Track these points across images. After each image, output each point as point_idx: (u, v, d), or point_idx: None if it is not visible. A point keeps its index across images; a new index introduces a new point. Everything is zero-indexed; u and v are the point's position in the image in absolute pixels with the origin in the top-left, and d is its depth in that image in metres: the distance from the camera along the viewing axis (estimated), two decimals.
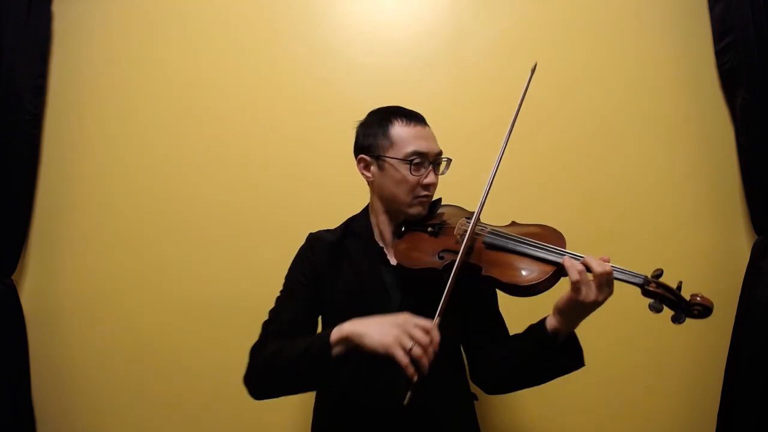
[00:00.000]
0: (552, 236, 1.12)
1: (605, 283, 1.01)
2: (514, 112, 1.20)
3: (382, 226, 1.24)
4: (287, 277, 1.25)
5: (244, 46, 1.92)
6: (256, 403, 1.83)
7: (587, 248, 1.80)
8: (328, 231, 1.29)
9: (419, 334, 0.93)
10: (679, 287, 1.03)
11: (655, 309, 1.02)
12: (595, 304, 1.01)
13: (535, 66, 1.21)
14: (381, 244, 1.23)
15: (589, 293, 1.00)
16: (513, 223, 1.21)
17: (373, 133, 1.21)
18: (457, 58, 1.88)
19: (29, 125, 1.85)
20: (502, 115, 1.83)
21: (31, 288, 1.92)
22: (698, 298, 1.00)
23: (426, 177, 1.17)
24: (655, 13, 1.85)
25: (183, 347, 1.87)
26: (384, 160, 1.18)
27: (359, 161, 1.25)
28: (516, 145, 1.83)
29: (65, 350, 1.90)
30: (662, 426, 1.79)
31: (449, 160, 1.23)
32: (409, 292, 1.16)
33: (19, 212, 1.85)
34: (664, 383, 1.78)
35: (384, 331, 0.95)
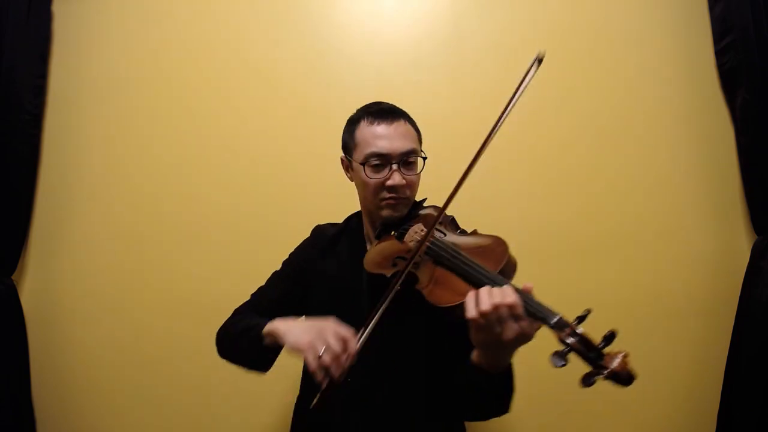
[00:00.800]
0: (494, 252, 1.00)
1: (507, 317, 0.85)
2: (504, 110, 1.13)
3: (367, 228, 1.24)
4: (284, 261, 1.30)
5: (244, 47, 1.92)
6: (255, 404, 1.85)
7: (587, 248, 1.81)
8: (332, 225, 1.30)
9: (333, 342, 0.92)
10: (607, 337, 0.83)
11: (554, 363, 0.79)
12: (505, 343, 0.86)
13: (543, 56, 1.11)
14: (367, 242, 1.23)
15: (492, 330, 0.86)
16: (473, 232, 1.15)
17: (346, 132, 1.20)
18: (457, 58, 1.88)
19: (29, 125, 1.84)
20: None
21: (31, 288, 1.91)
22: (616, 362, 0.79)
23: (389, 179, 1.11)
24: (655, 13, 1.85)
25: (183, 347, 1.87)
26: (351, 163, 1.17)
27: (341, 161, 1.23)
28: (515, 146, 1.84)
29: (65, 350, 1.90)
30: (662, 426, 1.79)
31: (424, 158, 1.16)
32: (377, 297, 1.09)
33: (19, 212, 1.85)
34: (664, 383, 1.78)
35: (302, 333, 0.98)
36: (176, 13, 1.94)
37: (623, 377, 0.80)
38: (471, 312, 0.87)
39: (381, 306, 0.97)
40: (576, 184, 1.83)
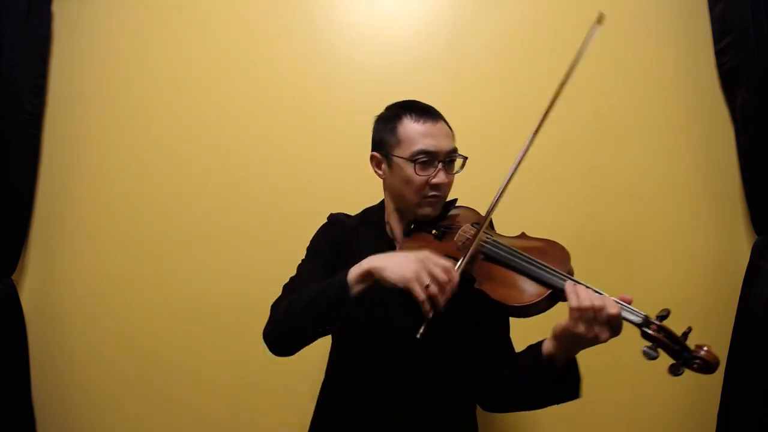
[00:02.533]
0: (558, 255, 1.04)
1: (607, 323, 0.92)
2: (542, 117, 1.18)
3: (393, 223, 1.23)
4: (309, 248, 1.26)
5: (244, 46, 1.92)
6: (256, 404, 1.85)
7: (588, 248, 1.81)
8: (346, 216, 1.29)
9: (438, 272, 0.93)
10: (685, 334, 0.92)
11: (649, 356, 0.91)
12: (594, 342, 0.93)
13: (602, 17, 1.15)
14: (391, 237, 1.23)
15: (589, 329, 0.91)
16: (522, 235, 1.16)
17: (383, 129, 1.18)
18: (457, 58, 1.88)
19: (29, 125, 1.84)
20: (501, 115, 1.85)
21: (31, 288, 1.91)
22: (702, 351, 0.90)
23: (435, 176, 1.12)
24: (655, 13, 1.84)
25: (183, 347, 1.87)
26: (392, 159, 1.15)
27: (371, 158, 1.22)
28: (515, 146, 1.84)
29: (65, 350, 1.90)
30: (662, 426, 1.79)
31: (465, 159, 1.18)
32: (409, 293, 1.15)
33: (19, 212, 1.85)
34: (664, 383, 1.77)
35: (405, 265, 0.95)
36: (176, 13, 1.94)
37: (712, 364, 0.92)
38: (574, 303, 0.91)
39: (472, 244, 1.02)
40: (575, 184, 1.83)
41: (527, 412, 1.77)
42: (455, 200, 1.26)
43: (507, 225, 1.81)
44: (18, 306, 1.86)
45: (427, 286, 0.92)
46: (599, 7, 1.86)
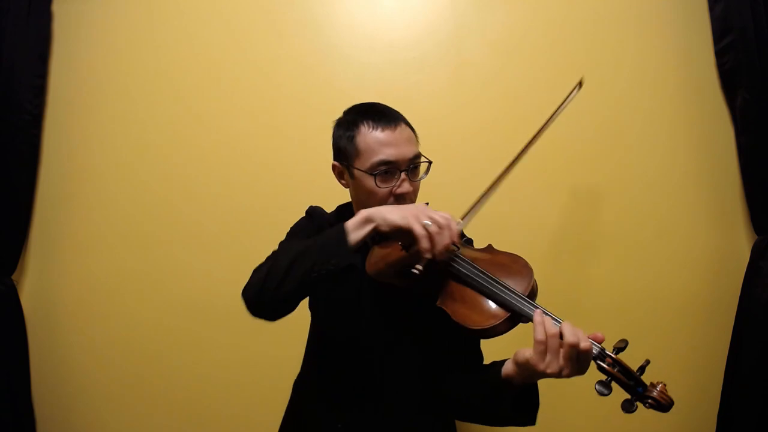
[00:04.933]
0: (520, 271, 1.00)
1: (575, 359, 0.86)
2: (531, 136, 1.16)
3: None
4: (289, 233, 1.26)
5: (244, 46, 1.92)
6: (256, 404, 1.85)
7: (587, 248, 1.81)
8: (324, 211, 1.29)
9: (438, 216, 0.94)
10: (642, 368, 0.88)
11: (600, 393, 0.85)
12: (558, 377, 0.87)
13: (582, 82, 1.14)
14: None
15: (553, 363, 0.86)
16: (488, 248, 1.12)
17: (342, 137, 1.12)
18: (457, 57, 1.88)
19: (29, 125, 1.84)
20: (501, 114, 1.85)
21: (31, 288, 1.91)
22: (656, 391, 0.87)
23: (398, 187, 1.07)
24: (655, 13, 1.84)
25: (183, 347, 1.87)
26: (352, 170, 1.09)
27: (333, 168, 1.17)
28: (514, 145, 1.84)
29: (65, 350, 1.90)
30: (662, 426, 1.79)
31: (429, 163, 1.12)
32: (378, 301, 1.12)
33: (19, 212, 1.85)
34: (664, 383, 1.78)
35: (403, 210, 0.96)
36: (176, 13, 1.94)
37: (664, 405, 0.88)
38: (540, 336, 0.87)
39: (478, 201, 1.05)
40: (575, 184, 1.83)
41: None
42: (426, 204, 1.23)
43: (506, 225, 1.81)
44: (18, 306, 1.86)
45: (428, 226, 0.93)
46: (598, 7, 1.87)
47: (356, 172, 1.08)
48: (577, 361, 0.86)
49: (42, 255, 1.92)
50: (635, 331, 1.75)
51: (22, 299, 1.88)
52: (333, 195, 1.83)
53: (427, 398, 1.14)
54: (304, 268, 0.95)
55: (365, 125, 1.08)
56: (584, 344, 0.85)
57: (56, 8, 1.92)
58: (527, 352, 0.89)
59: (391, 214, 0.95)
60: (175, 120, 1.92)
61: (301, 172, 1.88)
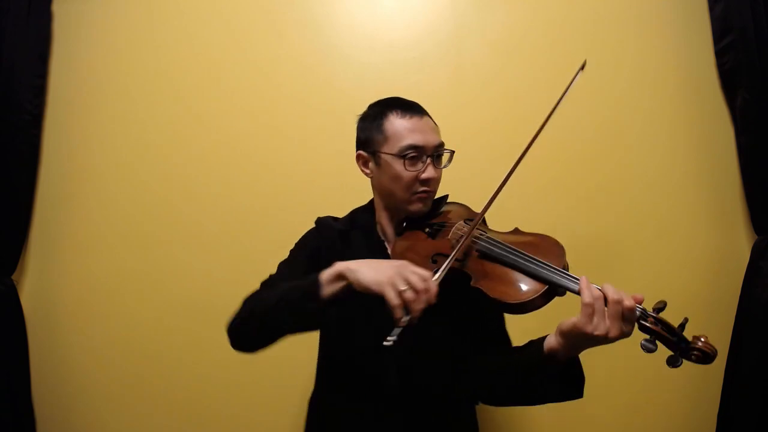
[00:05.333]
0: (552, 249, 1.03)
1: (620, 317, 0.89)
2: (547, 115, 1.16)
3: (383, 222, 1.22)
4: (292, 251, 1.25)
5: (244, 46, 1.92)
6: (256, 404, 1.85)
7: (587, 248, 1.81)
8: (334, 219, 1.28)
9: (415, 279, 0.90)
10: (682, 325, 0.91)
11: (647, 349, 0.89)
12: (604, 340, 0.89)
13: (584, 64, 1.16)
14: (383, 239, 1.21)
15: (600, 325, 0.88)
16: (516, 230, 1.14)
17: (368, 127, 1.17)
18: (457, 57, 1.88)
19: (29, 125, 1.84)
20: (501, 114, 1.85)
21: (31, 288, 1.91)
22: (700, 343, 0.89)
23: (424, 171, 1.11)
24: (655, 13, 1.84)
25: (183, 347, 1.87)
26: (380, 156, 1.13)
27: (357, 157, 1.21)
28: (514, 145, 1.84)
29: (65, 350, 1.90)
30: (662, 426, 1.79)
31: (452, 152, 1.17)
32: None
33: (19, 212, 1.85)
34: (664, 383, 1.78)
35: (379, 270, 0.92)
36: (176, 13, 1.94)
37: (711, 355, 0.90)
38: (588, 298, 0.89)
39: (456, 251, 0.99)
40: (575, 184, 1.83)
41: (526, 412, 1.79)
42: (446, 196, 1.25)
43: (504, 224, 1.81)
44: (18, 306, 1.86)
45: (402, 292, 0.89)
46: (598, 7, 1.87)
47: (384, 156, 1.13)
48: (623, 320, 0.89)
49: (42, 255, 1.92)
50: (635, 331, 1.75)
51: (22, 299, 1.88)
52: (333, 195, 1.84)
53: (449, 399, 1.15)
54: (276, 321, 1.01)
55: (394, 114, 1.14)
56: (628, 302, 0.88)
57: (56, 8, 1.92)
58: (571, 320, 0.91)
59: (365, 276, 0.92)
60: (175, 120, 1.92)
61: (301, 172, 1.88)
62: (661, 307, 0.92)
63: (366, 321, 1.10)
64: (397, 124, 1.12)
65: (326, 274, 0.97)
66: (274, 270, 1.27)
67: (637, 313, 0.90)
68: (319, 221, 1.28)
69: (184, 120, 1.92)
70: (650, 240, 1.80)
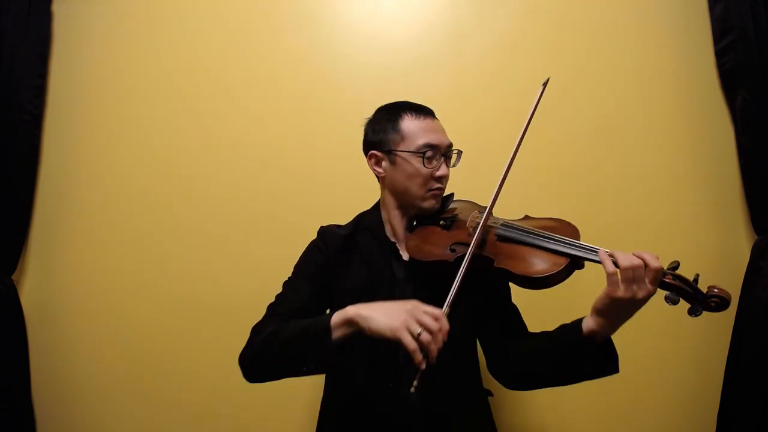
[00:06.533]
0: (566, 229, 1.09)
1: (637, 279, 0.93)
2: (526, 121, 1.18)
3: (394, 222, 1.23)
4: (297, 265, 1.25)
5: (244, 45, 1.92)
6: (256, 404, 1.85)
7: None
8: (338, 226, 1.28)
9: (428, 320, 0.90)
10: (695, 279, 0.98)
11: (672, 301, 0.98)
12: (634, 302, 0.94)
13: (548, 80, 1.21)
14: (393, 239, 1.23)
15: (628, 290, 0.93)
16: (526, 217, 1.20)
17: (383, 128, 1.20)
18: (457, 57, 1.88)
19: (29, 125, 1.84)
20: (501, 114, 1.85)
21: (31, 288, 1.91)
22: (715, 290, 0.96)
23: (438, 169, 1.17)
24: (655, 13, 1.85)
25: (183, 347, 1.87)
26: (396, 154, 1.17)
27: (370, 157, 1.23)
28: (513, 145, 1.84)
29: (65, 350, 1.90)
30: (662, 426, 1.79)
31: (460, 152, 1.23)
32: (421, 287, 1.13)
33: (19, 212, 1.85)
34: (664, 383, 1.78)
35: (392, 315, 0.93)
36: (176, 13, 1.94)
37: (727, 299, 0.95)
38: (610, 268, 0.94)
39: (457, 286, 0.99)
40: (575, 184, 1.83)
41: (515, 418, 1.78)
42: (452, 194, 1.28)
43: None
44: (18, 306, 1.86)
45: (419, 335, 0.89)
46: (599, 7, 1.87)
47: (401, 155, 1.17)
48: (645, 280, 0.93)
49: (42, 255, 1.92)
50: (635, 331, 1.74)
51: (22, 299, 1.88)
52: (333, 194, 1.84)
53: (468, 386, 1.19)
54: (287, 361, 1.03)
55: (408, 114, 1.19)
56: (654, 263, 0.92)
57: (56, 8, 1.92)
58: (601, 294, 0.96)
59: (378, 322, 0.92)
60: (175, 120, 1.92)
61: (301, 172, 1.88)
62: (675, 265, 0.98)
63: (371, 357, 1.11)
64: (412, 124, 1.18)
65: (337, 319, 0.97)
66: (273, 271, 1.27)
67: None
68: (323, 231, 1.28)
69: (184, 120, 1.92)
70: (650, 240, 1.80)
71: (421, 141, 1.16)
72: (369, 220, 1.26)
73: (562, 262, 1.01)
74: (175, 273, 1.88)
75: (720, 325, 1.75)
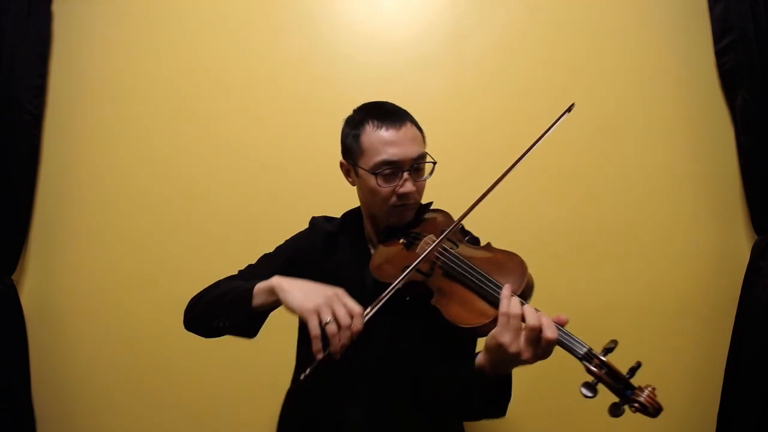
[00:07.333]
0: (514, 270, 0.97)
1: (535, 343, 0.83)
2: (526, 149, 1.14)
3: (369, 228, 1.21)
4: (277, 246, 1.27)
5: (244, 46, 1.92)
6: (256, 404, 1.85)
7: (587, 248, 1.81)
8: (327, 219, 1.27)
9: (342, 313, 0.86)
10: (632, 369, 0.85)
11: (585, 394, 0.83)
12: (518, 360, 0.84)
13: (572, 106, 1.12)
14: (369, 246, 1.20)
15: (514, 343, 0.83)
16: (487, 246, 1.10)
17: (348, 135, 1.13)
18: (457, 57, 1.88)
19: (29, 125, 1.84)
20: (501, 114, 1.85)
21: (31, 288, 1.91)
22: (644, 395, 0.82)
23: (402, 186, 1.06)
24: (655, 13, 1.85)
25: (183, 347, 1.87)
26: (357, 169, 1.10)
27: (341, 166, 1.18)
28: (514, 145, 1.84)
29: (65, 350, 1.90)
30: (662, 426, 1.78)
31: (434, 164, 1.11)
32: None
33: (19, 212, 1.85)
34: (664, 383, 1.77)
35: (309, 295, 0.90)
36: (176, 13, 1.94)
37: (651, 410, 0.82)
38: (503, 307, 0.86)
39: (387, 293, 0.94)
40: (575, 184, 1.83)
41: (514, 418, 1.78)
42: (430, 204, 1.23)
43: (505, 225, 1.81)
44: (18, 306, 1.86)
45: (326, 324, 0.86)
46: (599, 7, 1.87)
47: (360, 171, 1.09)
48: (540, 346, 0.83)
49: (42, 255, 1.92)
50: (635, 331, 1.75)
51: (22, 299, 1.88)
52: (332, 194, 1.83)
53: (424, 401, 1.10)
54: (212, 316, 1.04)
55: (370, 124, 1.08)
56: (550, 333, 0.82)
57: (56, 8, 1.92)
58: (492, 332, 0.87)
59: (293, 298, 0.91)
60: (175, 120, 1.92)
61: (300, 172, 1.88)
62: (610, 348, 0.84)
63: (322, 381, 1.06)
64: (373, 137, 1.06)
65: (261, 286, 0.97)
66: None
67: (582, 352, 0.83)
68: (313, 222, 1.28)
69: (184, 120, 1.92)
70: (650, 240, 1.80)
71: (378, 158, 1.05)
72: (352, 223, 1.23)
73: (492, 314, 0.90)
74: (175, 273, 1.88)
75: (720, 325, 1.75)
